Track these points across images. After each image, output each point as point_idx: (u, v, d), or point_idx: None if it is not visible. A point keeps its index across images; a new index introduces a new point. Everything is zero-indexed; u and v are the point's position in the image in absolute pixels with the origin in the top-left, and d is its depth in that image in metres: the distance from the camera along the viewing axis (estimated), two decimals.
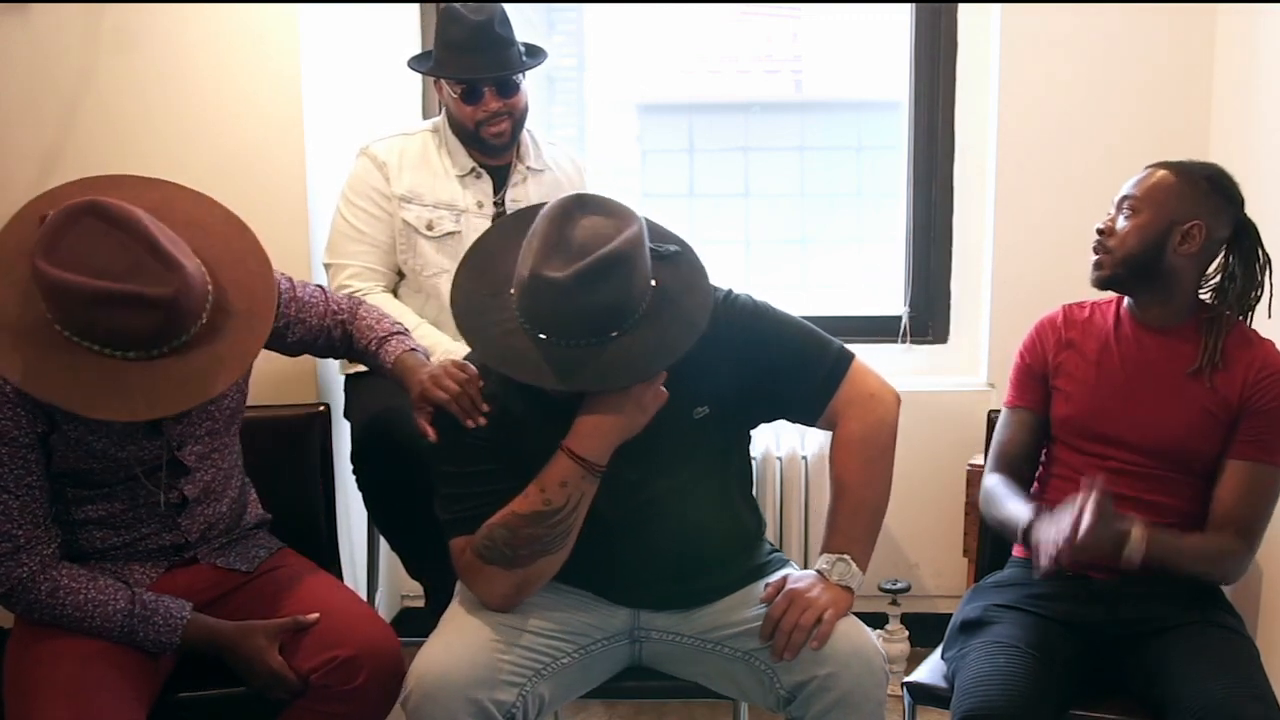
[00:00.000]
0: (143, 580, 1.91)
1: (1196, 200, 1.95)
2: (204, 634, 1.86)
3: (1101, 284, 2.01)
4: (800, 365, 1.85)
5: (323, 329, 2.08)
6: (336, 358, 2.19)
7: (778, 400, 1.88)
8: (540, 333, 1.65)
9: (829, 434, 1.89)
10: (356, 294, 2.45)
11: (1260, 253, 2.00)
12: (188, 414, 1.91)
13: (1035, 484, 2.11)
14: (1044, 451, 2.11)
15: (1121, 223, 1.98)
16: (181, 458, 1.93)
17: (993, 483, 2.07)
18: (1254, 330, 2.02)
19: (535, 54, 2.52)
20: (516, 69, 2.46)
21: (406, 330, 2.12)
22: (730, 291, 1.86)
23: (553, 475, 1.71)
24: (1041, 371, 2.09)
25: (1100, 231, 1.99)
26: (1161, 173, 1.97)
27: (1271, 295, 2.00)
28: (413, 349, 2.04)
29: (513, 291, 1.69)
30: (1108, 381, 2.01)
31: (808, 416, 1.90)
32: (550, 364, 1.65)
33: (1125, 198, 1.99)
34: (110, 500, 1.90)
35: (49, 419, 1.80)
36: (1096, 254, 2.00)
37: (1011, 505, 1.99)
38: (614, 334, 1.65)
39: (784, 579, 1.81)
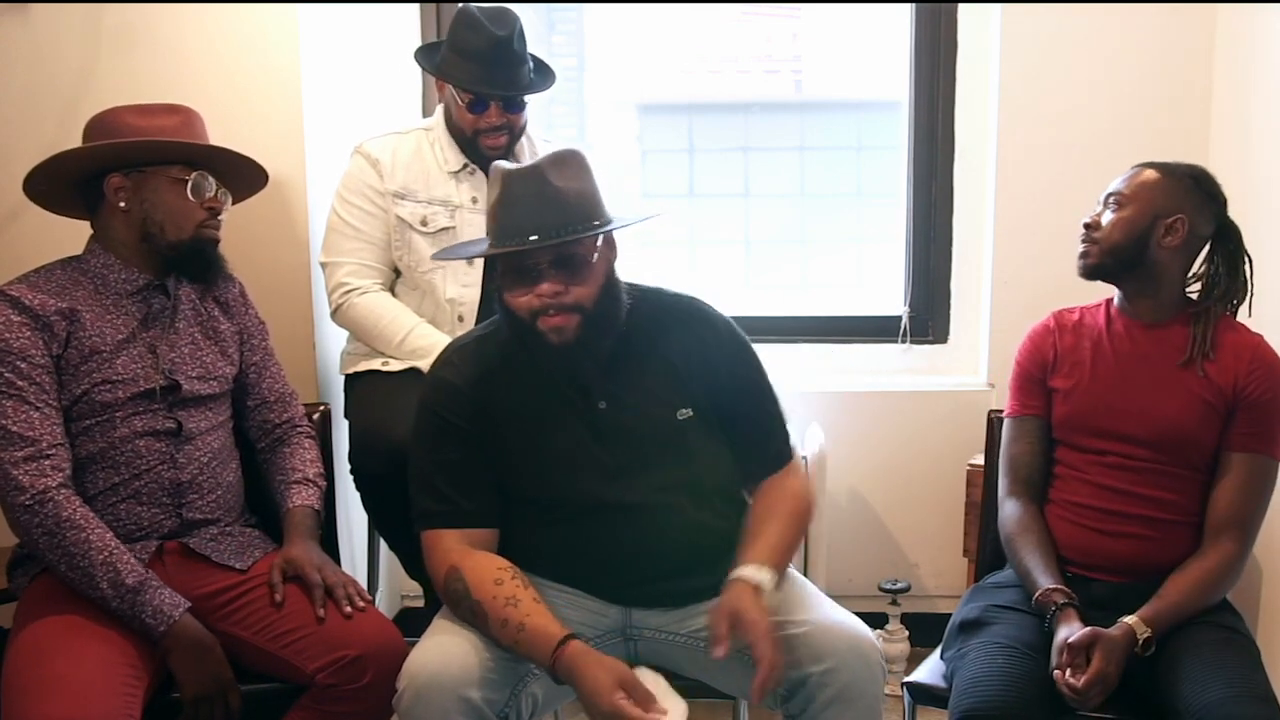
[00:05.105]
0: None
1: (1180, 195, 2.01)
2: (195, 630, 1.86)
3: (1087, 272, 2.06)
4: (758, 427, 1.90)
5: (266, 404, 2.18)
6: (254, 444, 2.21)
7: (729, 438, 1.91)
8: (531, 235, 1.69)
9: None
10: (354, 291, 2.46)
11: (1244, 254, 2.04)
12: (182, 338, 2.05)
13: None
14: None
15: (1108, 216, 2.03)
16: (176, 379, 2.00)
17: (1010, 514, 2.07)
18: (1241, 324, 2.05)
19: (543, 71, 2.51)
20: (528, 90, 2.45)
21: (322, 484, 2.17)
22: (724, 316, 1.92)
23: (527, 638, 1.69)
24: (1041, 375, 2.11)
25: (1087, 225, 2.05)
26: (1147, 170, 2.04)
27: (1252, 295, 2.05)
28: (317, 509, 2.11)
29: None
30: (1103, 376, 2.04)
31: (741, 477, 1.93)
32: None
33: (1112, 194, 2.05)
34: (112, 428, 1.93)
35: (62, 341, 1.91)
36: (1083, 245, 2.05)
37: (1028, 561, 1.99)
38: (595, 222, 1.72)
39: (730, 615, 1.69)
